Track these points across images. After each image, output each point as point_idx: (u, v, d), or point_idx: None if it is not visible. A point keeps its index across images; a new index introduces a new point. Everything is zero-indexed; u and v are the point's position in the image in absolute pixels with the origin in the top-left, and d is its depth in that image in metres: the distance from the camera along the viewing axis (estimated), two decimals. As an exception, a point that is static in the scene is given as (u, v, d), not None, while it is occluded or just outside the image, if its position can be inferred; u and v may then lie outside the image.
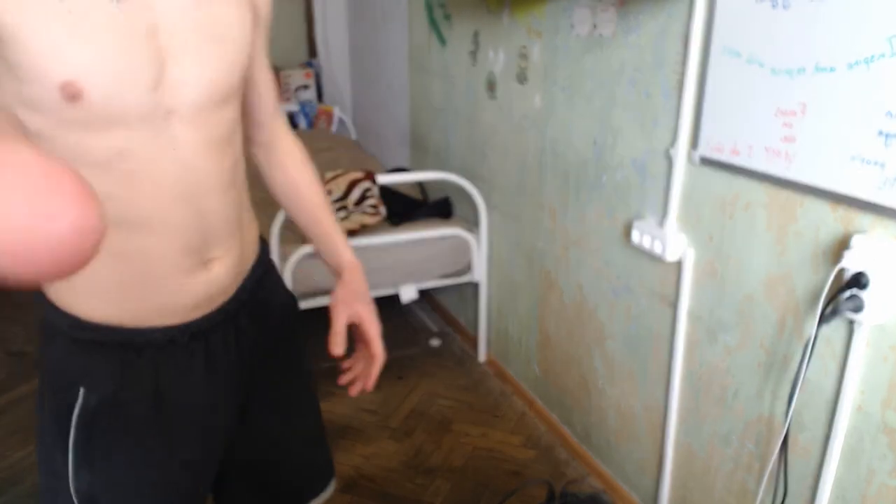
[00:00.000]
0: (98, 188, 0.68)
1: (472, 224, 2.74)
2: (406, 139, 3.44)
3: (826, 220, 1.29)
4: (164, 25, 0.76)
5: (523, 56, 2.27)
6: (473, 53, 2.61)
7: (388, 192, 2.80)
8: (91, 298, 0.83)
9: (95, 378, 0.85)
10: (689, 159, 1.60)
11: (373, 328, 1.03)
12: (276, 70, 4.36)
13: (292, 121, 4.23)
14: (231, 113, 0.88)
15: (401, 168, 3.37)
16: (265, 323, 1.04)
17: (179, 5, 0.77)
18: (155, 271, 0.84)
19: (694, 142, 1.57)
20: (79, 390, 0.85)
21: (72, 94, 0.69)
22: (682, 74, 1.57)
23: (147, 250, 0.82)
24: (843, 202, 1.25)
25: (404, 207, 2.82)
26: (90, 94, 0.70)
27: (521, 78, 2.30)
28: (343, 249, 1.09)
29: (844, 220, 1.26)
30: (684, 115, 1.58)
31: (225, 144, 0.88)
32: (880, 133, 1.15)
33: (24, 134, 0.71)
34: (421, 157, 3.29)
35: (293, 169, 1.09)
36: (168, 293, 0.86)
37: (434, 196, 3.05)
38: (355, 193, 2.54)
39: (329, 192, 2.51)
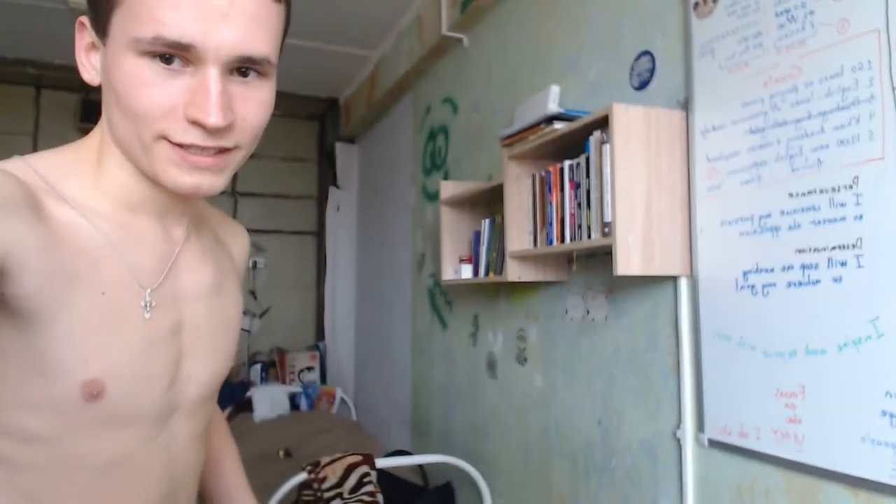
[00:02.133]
0: (81, 498, 0.67)
1: (477, 512, 2.56)
2: (407, 420, 3.40)
3: (852, 508, 1.22)
4: (187, 323, 0.75)
5: (521, 338, 2.35)
6: (474, 335, 2.71)
7: (386, 477, 2.67)
8: None
9: None
10: (698, 442, 1.56)
11: None
12: (283, 353, 4.50)
13: (293, 401, 4.21)
14: (213, 403, 0.85)
15: (401, 451, 3.27)
16: None
17: (202, 302, 0.78)
18: None
19: (700, 424, 1.55)
20: None
21: (92, 393, 0.64)
22: (678, 357, 1.62)
23: None
24: (862, 486, 1.19)
25: (404, 495, 2.67)
26: (110, 394, 0.65)
27: (521, 358, 2.35)
28: None
29: (871, 507, 1.18)
30: (686, 397, 1.59)
31: (204, 436, 0.84)
32: (884, 413, 1.14)
33: (20, 440, 0.64)
34: (422, 438, 3.21)
35: (217, 442, 1.01)
36: None
37: (436, 479, 2.90)
38: (352, 479, 2.42)
39: (324, 479, 2.40)
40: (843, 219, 1.22)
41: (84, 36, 0.67)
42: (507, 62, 2.54)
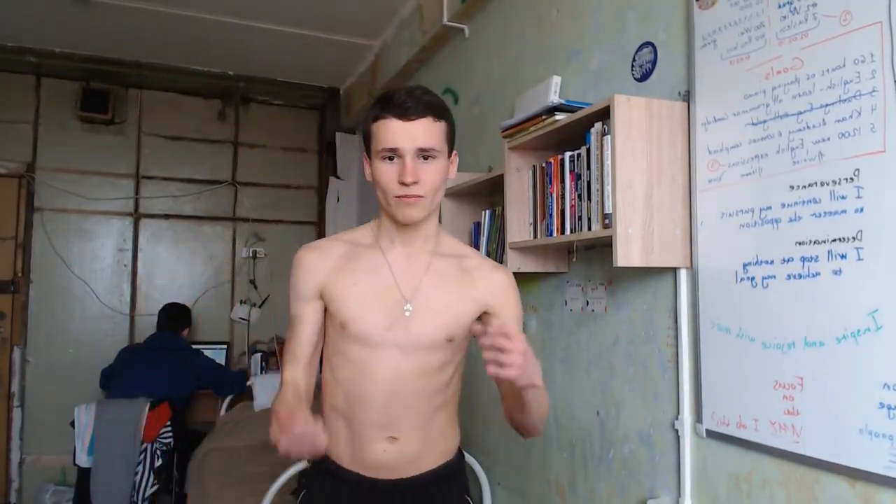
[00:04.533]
0: (344, 374, 1.32)
1: (476, 502, 2.58)
2: (407, 410, 3.40)
3: (846, 498, 1.22)
4: (410, 303, 1.30)
5: (521, 328, 2.35)
6: (473, 327, 2.71)
7: (386, 467, 2.68)
8: (332, 441, 1.30)
9: (322, 491, 1.38)
10: (696, 432, 1.57)
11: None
12: (283, 342, 4.49)
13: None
14: (440, 356, 1.32)
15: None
16: None
17: (426, 292, 1.31)
18: (357, 432, 1.32)
19: (698, 415, 1.56)
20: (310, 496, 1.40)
21: (342, 326, 1.30)
22: (677, 348, 1.62)
23: (356, 417, 1.32)
24: (860, 477, 1.19)
25: (403, 483, 2.68)
26: (350, 328, 1.29)
27: (521, 350, 2.36)
28: None
29: (865, 496, 1.19)
30: (684, 388, 1.60)
31: (430, 374, 1.32)
32: (882, 405, 1.15)
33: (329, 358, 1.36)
34: (422, 428, 3.22)
35: None
36: (361, 449, 1.32)
37: (435, 471, 2.92)
38: (353, 468, 2.44)
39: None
40: (844, 211, 1.22)
41: (364, 160, 1.31)
42: (509, 52, 2.53)
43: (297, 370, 1.34)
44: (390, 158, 1.23)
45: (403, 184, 1.22)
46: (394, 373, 1.30)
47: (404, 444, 1.32)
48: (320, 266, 1.33)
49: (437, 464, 1.38)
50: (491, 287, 1.38)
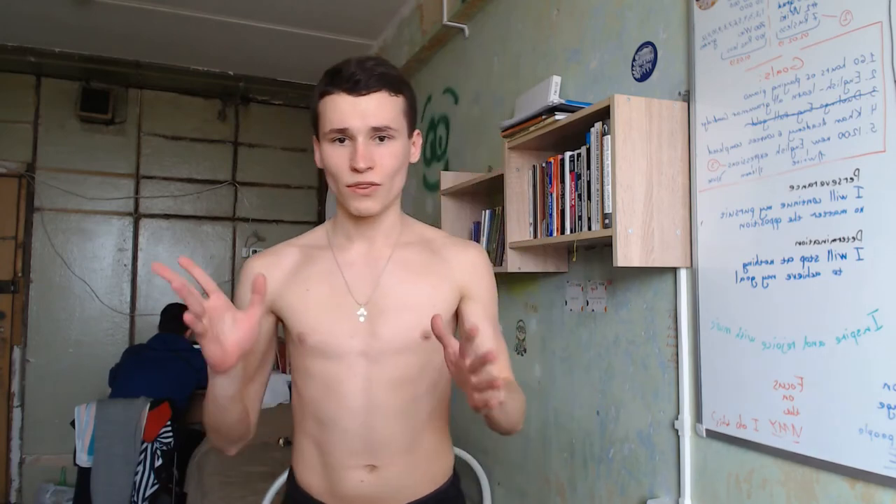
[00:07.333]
0: (310, 394, 1.17)
1: (476, 502, 2.58)
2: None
3: (846, 498, 1.22)
4: (371, 305, 1.15)
5: (521, 328, 2.36)
6: (473, 327, 2.71)
7: (387, 467, 2.68)
8: (303, 470, 1.21)
9: None
10: (696, 432, 1.57)
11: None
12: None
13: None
14: (417, 359, 1.16)
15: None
16: None
17: (388, 289, 1.16)
18: (329, 460, 1.16)
19: (698, 414, 1.56)
20: None
21: (300, 339, 1.15)
22: (677, 348, 1.62)
23: (326, 442, 1.16)
24: (860, 477, 1.19)
25: (403, 483, 2.68)
26: (308, 340, 1.14)
27: (520, 349, 2.36)
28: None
29: (865, 497, 1.19)
30: (684, 388, 1.60)
31: (408, 382, 1.16)
32: (882, 405, 1.15)
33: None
34: (422, 428, 3.22)
35: None
36: (336, 480, 1.16)
37: (435, 470, 2.92)
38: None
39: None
40: (844, 211, 1.22)
41: (315, 143, 1.15)
42: (509, 52, 2.53)
43: None
44: (340, 141, 1.08)
45: (356, 170, 1.06)
46: (365, 386, 1.14)
47: (385, 473, 1.15)
48: (270, 276, 1.16)
49: (426, 492, 1.20)
50: (464, 265, 1.21)
